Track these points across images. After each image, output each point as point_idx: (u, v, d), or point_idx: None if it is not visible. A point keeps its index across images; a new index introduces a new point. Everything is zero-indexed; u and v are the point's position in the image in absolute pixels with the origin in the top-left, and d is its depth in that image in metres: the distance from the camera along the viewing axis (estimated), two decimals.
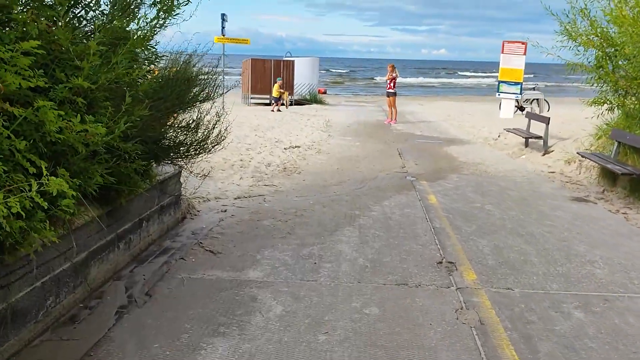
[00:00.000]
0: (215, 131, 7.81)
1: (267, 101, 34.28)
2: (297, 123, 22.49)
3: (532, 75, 66.76)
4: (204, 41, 8.08)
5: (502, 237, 7.84)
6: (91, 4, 5.19)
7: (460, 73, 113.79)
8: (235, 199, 9.61)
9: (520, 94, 27.08)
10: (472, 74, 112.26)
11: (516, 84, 26.70)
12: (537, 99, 28.66)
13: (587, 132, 14.72)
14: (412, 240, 7.51)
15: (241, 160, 12.99)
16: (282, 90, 30.50)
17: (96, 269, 5.55)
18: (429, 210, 9.14)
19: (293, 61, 34.92)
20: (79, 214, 4.99)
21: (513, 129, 17.51)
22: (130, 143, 5.28)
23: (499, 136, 19.06)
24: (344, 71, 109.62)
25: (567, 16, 12.90)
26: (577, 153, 12.87)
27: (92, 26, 5.32)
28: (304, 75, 36.31)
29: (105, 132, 4.57)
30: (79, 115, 4.41)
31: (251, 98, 34.44)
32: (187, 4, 6.23)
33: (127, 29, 5.44)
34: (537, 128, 16.67)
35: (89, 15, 5.30)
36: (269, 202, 9.46)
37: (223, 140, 8.02)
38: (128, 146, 5.21)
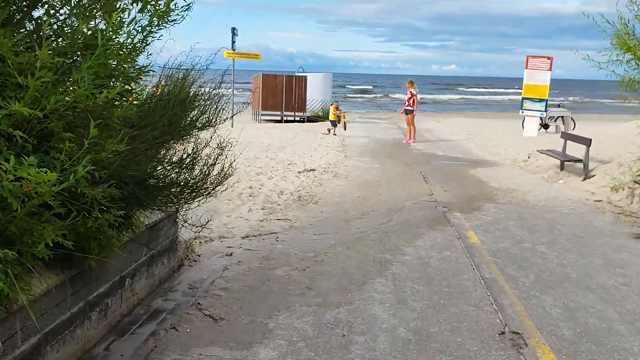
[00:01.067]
0: (217, 167, 6.35)
1: (279, 118, 33.02)
2: (311, 142, 21.12)
3: (555, 91, 65.43)
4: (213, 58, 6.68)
5: (569, 292, 6.38)
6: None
7: (475, 89, 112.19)
8: (243, 238, 8.21)
9: (545, 111, 25.63)
10: (485, 90, 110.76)
11: (541, 100, 25.29)
12: (562, 117, 27.19)
13: (634, 154, 13.27)
14: (461, 298, 6.07)
15: (250, 187, 11.60)
16: (339, 112, 27.08)
17: (55, 354, 4.15)
18: (473, 254, 7.71)
19: (305, 77, 33.68)
20: (28, 286, 3.61)
21: (547, 150, 16.05)
22: (101, 187, 3.89)
23: (528, 157, 17.61)
24: (359, 87, 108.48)
25: (613, 25, 11.47)
26: (635, 182, 11.40)
27: (51, 31, 3.95)
28: (317, 91, 35.05)
29: (55, 179, 3.19)
30: (12, 157, 3.04)
31: (262, 115, 33.17)
32: (188, 9, 4.85)
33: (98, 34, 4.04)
34: (571, 149, 15.26)
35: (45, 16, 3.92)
36: (283, 243, 8.05)
37: (227, 178, 6.58)
38: (98, 192, 3.83)
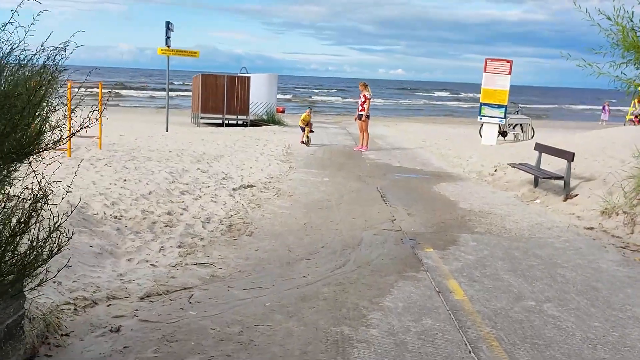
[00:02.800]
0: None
1: (219, 121, 30.58)
2: (252, 150, 18.79)
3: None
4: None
5: None
6: None
7: (421, 93, 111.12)
8: (142, 298, 5.85)
9: (505, 118, 23.91)
10: (429, 94, 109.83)
11: (500, 106, 23.55)
12: (522, 124, 25.53)
13: (623, 171, 11.40)
14: None
15: (169, 213, 9.24)
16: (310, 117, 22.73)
17: None
18: (463, 321, 5.55)
19: (249, 77, 31.29)
20: None
21: (519, 164, 14.09)
22: None
23: (495, 170, 15.68)
24: (303, 89, 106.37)
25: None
26: None
27: None
28: (261, 93, 32.69)
29: None
30: None
31: (201, 118, 30.64)
32: None
33: None
34: (544, 161, 13.42)
35: None
36: (197, 307, 5.72)
37: (56, 253, 4.22)
38: None
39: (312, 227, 9.21)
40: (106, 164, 13.29)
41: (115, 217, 8.49)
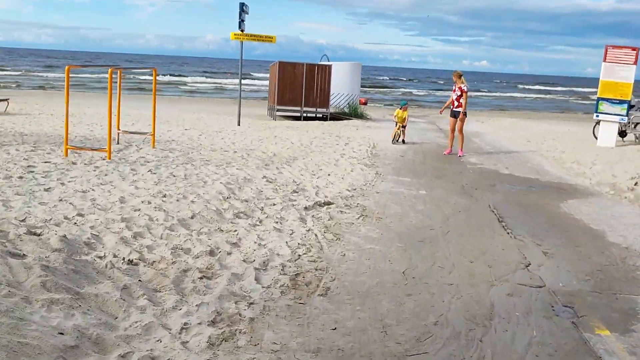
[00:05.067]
0: None
1: (297, 114, 27.99)
2: (332, 150, 16.02)
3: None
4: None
5: None
6: None
7: (522, 86, 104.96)
8: None
9: (627, 115, 20.21)
10: (516, 86, 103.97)
11: (622, 102, 19.90)
12: None
13: None
14: None
15: (211, 252, 6.53)
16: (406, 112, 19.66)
17: None
18: None
19: (330, 66, 28.50)
20: None
21: None
22: None
23: (636, 184, 12.32)
24: (387, 79, 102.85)
25: None
26: None
27: None
28: (343, 84, 29.89)
29: None
30: None
31: (277, 110, 28.12)
32: None
33: None
34: None
35: None
36: None
37: None
38: None
39: (415, 278, 6.33)
40: (150, 170, 10.77)
41: (130, 261, 5.86)
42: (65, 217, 7.08)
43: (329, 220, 8.50)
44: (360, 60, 33.34)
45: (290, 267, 6.35)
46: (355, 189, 10.87)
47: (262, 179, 10.95)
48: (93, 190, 8.84)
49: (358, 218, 8.78)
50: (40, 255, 5.31)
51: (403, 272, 6.50)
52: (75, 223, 6.91)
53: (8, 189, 8.38)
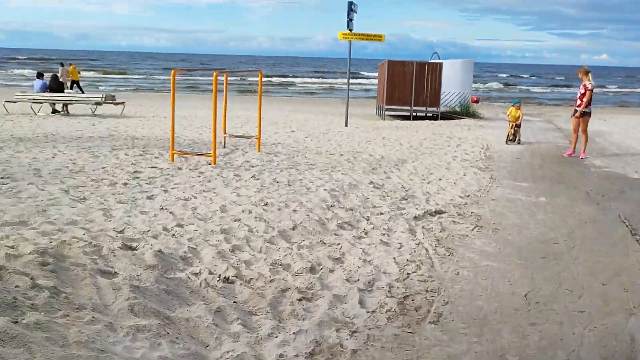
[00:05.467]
0: None
1: (407, 114, 27.30)
2: (443, 152, 15.29)
3: None
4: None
5: None
6: None
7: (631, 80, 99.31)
8: None
9: None
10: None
11: None
12: None
13: None
14: None
15: (312, 269, 6.06)
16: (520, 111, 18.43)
17: None
18: None
19: (441, 64, 27.60)
20: None
21: None
22: None
23: None
24: (504, 75, 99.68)
25: None
26: None
27: None
28: (455, 82, 28.90)
29: None
30: None
31: (386, 110, 27.54)
32: None
33: None
34: None
35: None
36: None
37: None
38: None
39: (539, 303, 5.62)
40: (254, 176, 10.50)
41: (226, 279, 5.49)
42: (164, 228, 6.84)
43: (440, 231, 7.86)
44: (472, 57, 32.21)
45: (398, 288, 5.79)
46: (468, 196, 10.16)
47: (368, 185, 10.44)
48: (195, 197, 8.63)
49: (472, 229, 8.09)
50: (131, 273, 5.03)
51: (525, 296, 5.79)
52: (173, 235, 6.65)
53: (111, 197, 8.29)
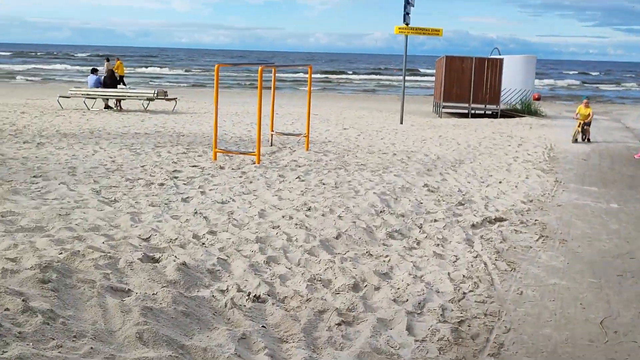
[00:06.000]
0: None
1: (465, 111, 26.30)
2: (503, 152, 14.38)
3: None
4: None
5: None
6: None
7: None
8: None
9: None
10: None
11: None
12: None
13: None
14: None
15: (354, 286, 5.38)
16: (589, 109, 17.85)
17: None
18: None
19: (501, 60, 26.48)
20: None
21: None
22: None
23: None
24: (567, 72, 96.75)
25: None
26: None
27: None
28: (516, 79, 27.73)
29: None
30: None
31: (444, 107, 26.58)
32: None
33: None
34: None
35: None
36: None
37: None
38: None
39: (617, 332, 4.81)
40: (299, 177, 9.85)
41: (256, 298, 4.85)
42: (195, 236, 6.25)
43: (501, 242, 7.07)
44: (533, 53, 30.84)
45: (452, 310, 5.05)
46: (531, 201, 9.31)
47: (422, 188, 9.68)
48: (233, 200, 8.03)
49: (537, 240, 7.28)
50: (147, 291, 4.43)
51: (601, 323, 4.99)
52: (203, 243, 6.05)
53: (144, 199, 7.76)
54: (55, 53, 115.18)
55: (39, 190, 7.79)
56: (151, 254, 5.41)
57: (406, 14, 21.89)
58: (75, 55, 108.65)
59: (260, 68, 10.55)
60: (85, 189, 8.13)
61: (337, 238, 6.64)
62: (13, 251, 4.93)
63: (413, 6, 22.23)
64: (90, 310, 3.98)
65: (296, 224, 6.92)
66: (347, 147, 13.94)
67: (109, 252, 5.23)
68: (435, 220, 7.77)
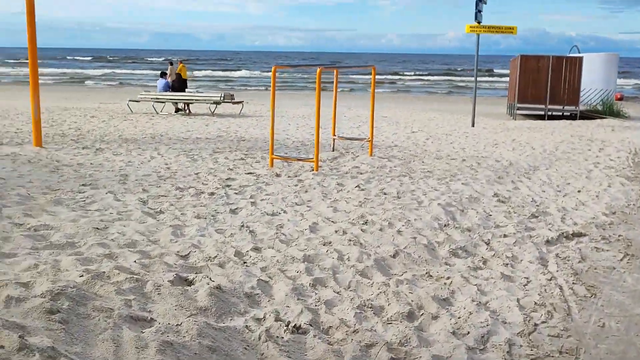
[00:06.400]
0: None
1: (541, 112, 25.14)
2: (582, 158, 13.40)
3: None
4: None
5: None
6: None
7: None
8: None
9: None
10: None
11: None
12: None
13: None
14: None
15: (409, 314, 4.76)
16: None
17: None
18: None
19: (580, 58, 25.18)
20: None
21: None
22: None
23: None
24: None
25: None
26: None
27: None
28: (596, 78, 26.33)
29: None
30: None
31: (518, 109, 25.50)
32: None
33: None
34: None
35: None
36: None
37: None
38: None
39: None
40: (358, 185, 9.27)
41: (296, 328, 4.30)
42: (237, 253, 5.75)
43: (579, 262, 6.30)
44: (615, 51, 29.30)
45: (520, 346, 4.37)
46: (614, 213, 8.43)
47: (492, 198, 8.94)
48: (284, 212, 7.52)
49: (621, 259, 6.47)
50: (170, 321, 3.95)
51: None
52: (244, 262, 5.53)
53: (190, 210, 7.33)
54: (132, 57, 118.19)
55: (83, 200, 7.46)
56: (185, 275, 4.93)
57: (478, 12, 21.03)
58: (151, 59, 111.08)
59: (319, 70, 10.02)
60: (132, 198, 7.77)
61: (394, 256, 6.02)
62: (30, 273, 4.52)
63: (485, 3, 21.34)
64: (101, 345, 3.51)
65: (350, 240, 6.34)
66: (414, 152, 13.27)
67: (138, 274, 4.77)
68: (505, 236, 7.05)
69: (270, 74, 10.20)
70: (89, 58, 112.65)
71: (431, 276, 5.64)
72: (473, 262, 6.11)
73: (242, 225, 6.68)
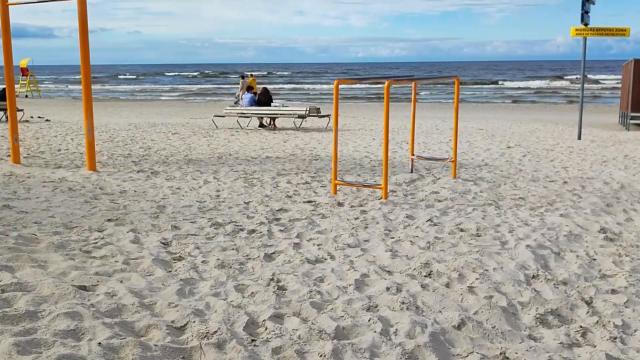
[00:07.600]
0: None
1: None
2: None
3: None
4: None
5: None
6: None
7: None
8: None
9: None
10: None
11: None
12: None
13: None
14: None
15: None
16: None
17: None
18: None
19: None
20: None
21: None
22: None
23: None
24: None
25: None
26: None
27: None
28: None
29: None
30: None
31: (631, 118, 23.06)
32: None
33: None
34: None
35: None
36: None
37: None
38: None
39: None
40: (431, 219, 7.76)
41: None
42: (251, 323, 4.43)
43: None
44: None
45: None
46: None
47: (597, 234, 7.25)
48: (331, 258, 6.15)
49: None
50: None
51: None
52: (253, 340, 4.16)
53: (216, 255, 6.07)
54: (238, 71, 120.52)
55: (94, 243, 6.30)
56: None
57: (584, 13, 18.99)
58: (254, 73, 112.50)
59: (387, 82, 8.62)
60: (154, 239, 6.57)
61: (458, 327, 4.53)
62: None
63: (593, 4, 19.26)
64: None
65: (403, 302, 4.88)
66: (507, 173, 11.58)
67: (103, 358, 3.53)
68: (614, 291, 5.41)
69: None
70: (195, 73, 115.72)
71: (507, 358, 4.14)
72: (568, 333, 4.53)
73: (272, 279, 5.36)
